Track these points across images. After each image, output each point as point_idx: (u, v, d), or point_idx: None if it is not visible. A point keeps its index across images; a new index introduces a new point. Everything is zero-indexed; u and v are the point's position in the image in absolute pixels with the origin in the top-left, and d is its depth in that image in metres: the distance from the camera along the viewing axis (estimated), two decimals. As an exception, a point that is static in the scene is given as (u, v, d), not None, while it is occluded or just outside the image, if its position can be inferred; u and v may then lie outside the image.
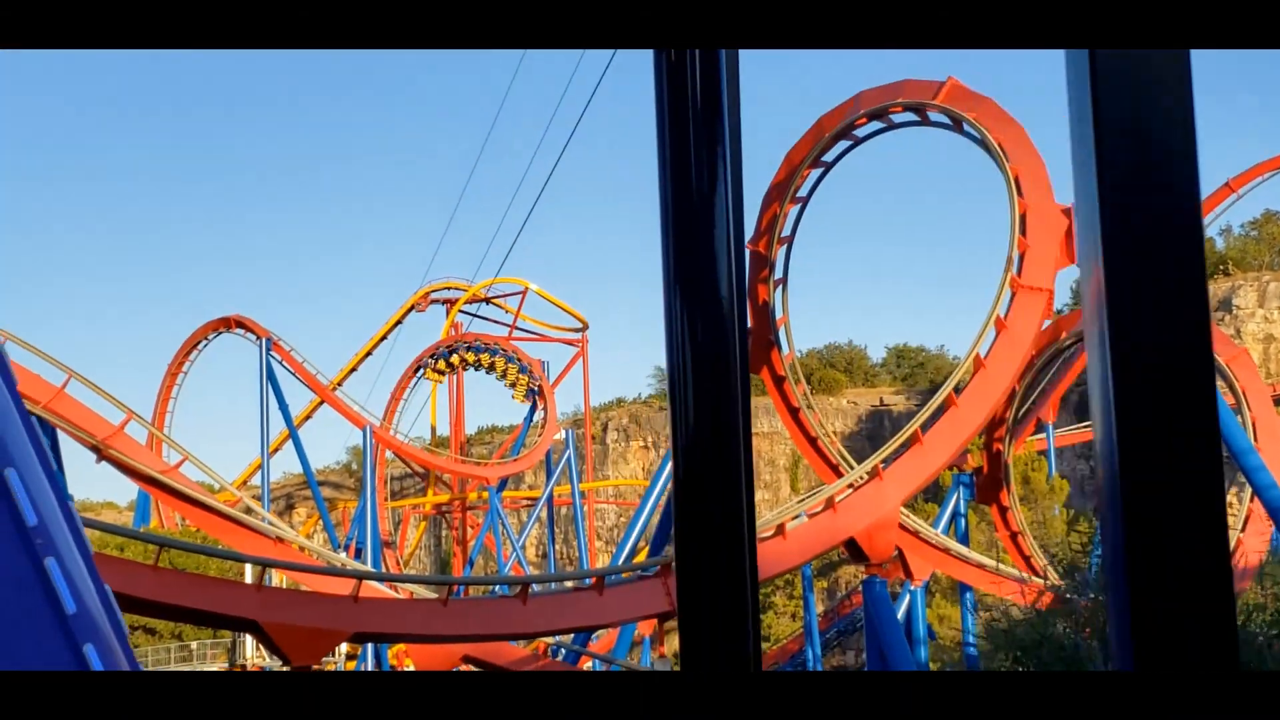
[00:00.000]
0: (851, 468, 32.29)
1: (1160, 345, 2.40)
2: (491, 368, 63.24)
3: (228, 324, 58.52)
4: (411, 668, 55.96)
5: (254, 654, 51.98)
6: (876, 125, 33.68)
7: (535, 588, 26.54)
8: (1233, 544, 31.59)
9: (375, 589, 28.44)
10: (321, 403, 62.26)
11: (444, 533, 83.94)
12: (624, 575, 27.66)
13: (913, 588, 34.04)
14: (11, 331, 35.25)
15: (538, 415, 63.18)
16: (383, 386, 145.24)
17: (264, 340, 55.07)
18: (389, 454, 65.71)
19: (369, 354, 67.58)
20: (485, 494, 65.31)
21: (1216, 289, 64.29)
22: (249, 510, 36.19)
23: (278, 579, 41.78)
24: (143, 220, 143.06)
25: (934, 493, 48.94)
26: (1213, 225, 60.31)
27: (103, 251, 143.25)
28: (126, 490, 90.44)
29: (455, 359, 63.97)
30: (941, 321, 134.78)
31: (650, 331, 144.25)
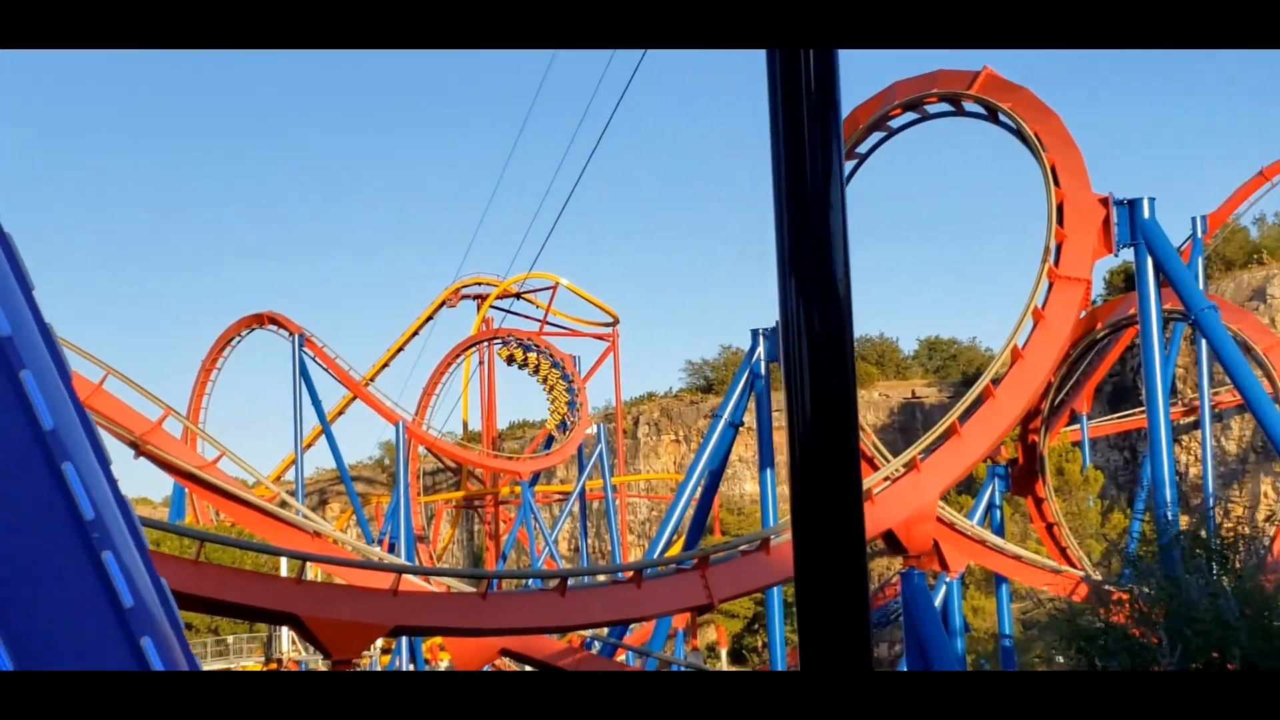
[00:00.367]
0: (886, 460, 32.19)
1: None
2: (524, 363, 63.38)
3: (260, 320, 58.74)
4: (447, 662, 56.22)
5: (290, 649, 52.29)
6: (911, 116, 33.56)
7: (573, 581, 26.58)
8: (1274, 530, 31.47)
9: (413, 583, 28.54)
10: (354, 398, 62.49)
11: (476, 527, 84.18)
12: (661, 569, 27.66)
13: (949, 579, 33.94)
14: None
15: (570, 410, 63.29)
16: (415, 382, 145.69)
17: (296, 336, 55.28)
18: (421, 449, 65.94)
19: (401, 349, 67.77)
20: (518, 488, 65.47)
21: (1251, 278, 63.77)
22: (283, 505, 36.39)
23: (311, 574, 41.95)
24: (176, 218, 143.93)
25: (967, 485, 48.75)
26: (1246, 214, 59.85)
27: (136, 249, 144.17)
28: (161, 486, 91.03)
29: (505, 352, 64.08)
30: (973, 313, 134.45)
31: (681, 325, 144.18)
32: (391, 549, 54.31)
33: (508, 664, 52.39)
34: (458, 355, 66.35)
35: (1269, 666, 8.05)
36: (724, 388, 64.60)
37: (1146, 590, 9.17)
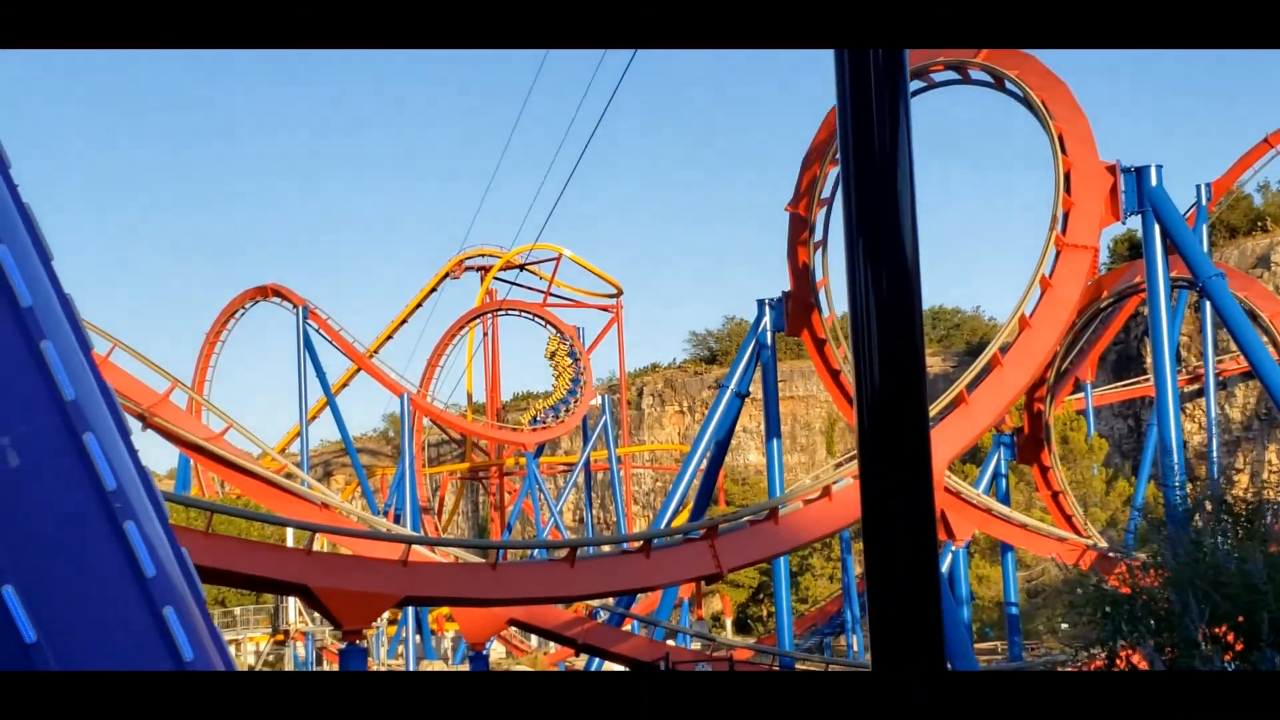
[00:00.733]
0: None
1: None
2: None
3: (265, 292, 58.64)
4: (454, 633, 56.44)
5: (297, 620, 52.49)
6: (917, 84, 33.37)
7: (582, 551, 26.62)
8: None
9: (421, 554, 28.60)
10: (359, 370, 62.48)
11: (481, 499, 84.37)
12: (669, 539, 27.71)
13: (954, 548, 34.02)
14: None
15: (574, 382, 63.36)
16: (419, 354, 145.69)
17: (301, 308, 55.22)
18: (426, 420, 65.99)
19: (405, 321, 67.75)
20: (522, 460, 65.58)
21: (1255, 245, 63.65)
22: (290, 476, 36.46)
23: (317, 544, 42.07)
24: (180, 190, 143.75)
25: (973, 454, 48.82)
26: (1251, 181, 59.62)
27: (140, 220, 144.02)
28: (165, 458, 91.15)
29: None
30: (978, 282, 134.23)
31: (685, 296, 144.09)
32: (397, 520, 54.45)
33: (515, 634, 52.67)
34: (462, 327, 66.31)
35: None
36: (728, 359, 64.66)
37: (1173, 556, 9.19)
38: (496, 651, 52.11)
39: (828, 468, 38.85)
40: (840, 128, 2.78)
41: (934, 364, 76.84)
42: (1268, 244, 63.27)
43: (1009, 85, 31.11)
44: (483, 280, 69.01)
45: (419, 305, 68.02)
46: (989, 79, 31.71)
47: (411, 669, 49.62)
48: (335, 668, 50.41)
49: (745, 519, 28.25)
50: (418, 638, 52.51)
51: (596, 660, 30.22)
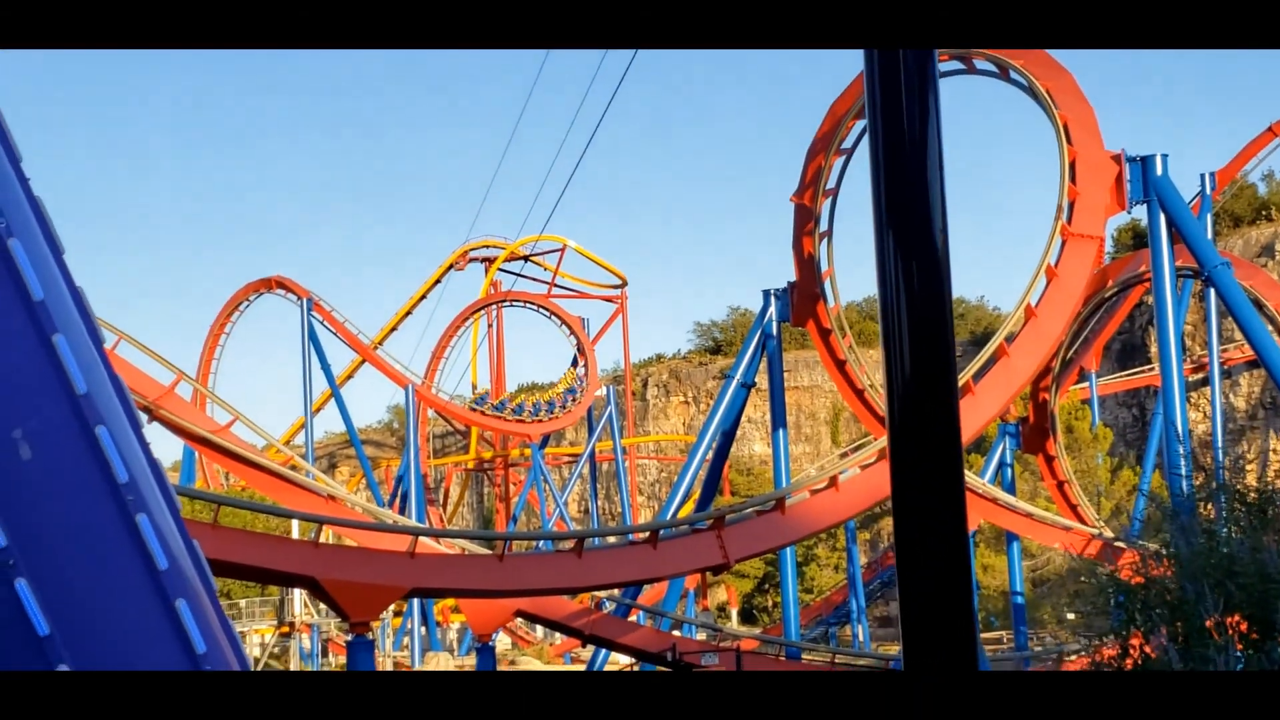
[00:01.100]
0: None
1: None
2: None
3: (269, 285, 58.61)
4: (458, 625, 56.50)
5: (302, 612, 52.47)
6: (921, 74, 33.29)
7: (588, 542, 26.62)
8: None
9: (427, 545, 28.61)
10: (363, 362, 62.48)
11: (486, 490, 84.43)
12: (676, 529, 27.71)
13: (961, 538, 33.97)
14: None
15: (579, 372, 63.36)
16: (424, 346, 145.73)
17: (305, 300, 55.22)
18: (430, 412, 66.00)
19: (409, 313, 67.73)
20: (527, 451, 65.59)
21: (1259, 234, 63.56)
22: (294, 468, 36.44)
23: (323, 536, 42.05)
24: (184, 183, 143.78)
25: (978, 444, 48.83)
26: (1255, 170, 59.50)
27: (145, 214, 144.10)
28: (171, 450, 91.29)
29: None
30: (981, 273, 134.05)
31: (690, 287, 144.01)
32: (402, 512, 54.47)
33: (520, 625, 52.68)
34: (466, 318, 66.29)
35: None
36: (733, 349, 64.69)
37: (1185, 545, 9.17)
38: (502, 642, 52.18)
39: (833, 458, 38.90)
40: (870, 120, 2.77)
41: (939, 354, 76.69)
42: (1272, 233, 63.20)
43: (1014, 75, 31.05)
44: (487, 272, 69.00)
45: (423, 297, 68.05)
46: (994, 69, 31.64)
47: (417, 661, 49.74)
48: (342, 660, 50.45)
49: (752, 510, 28.24)
50: (423, 629, 52.57)
51: (603, 651, 30.25)
